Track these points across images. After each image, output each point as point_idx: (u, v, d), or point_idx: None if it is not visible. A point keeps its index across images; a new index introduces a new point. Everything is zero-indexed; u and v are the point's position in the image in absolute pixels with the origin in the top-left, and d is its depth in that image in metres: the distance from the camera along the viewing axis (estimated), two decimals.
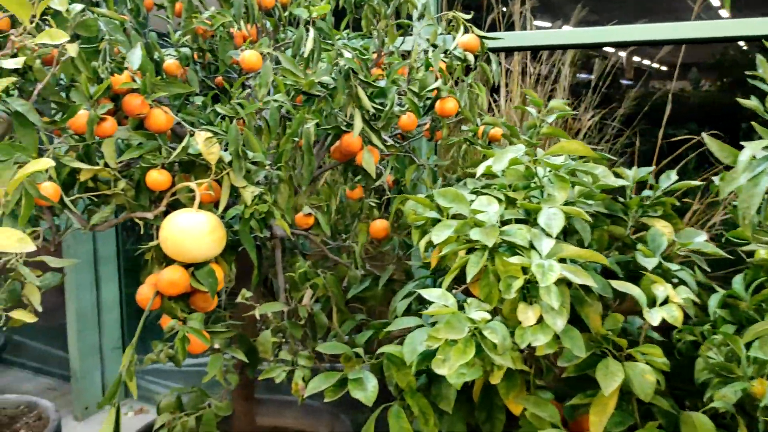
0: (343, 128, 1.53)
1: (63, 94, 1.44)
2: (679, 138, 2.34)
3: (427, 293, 1.21)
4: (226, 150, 1.38)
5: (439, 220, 1.41)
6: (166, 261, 1.43)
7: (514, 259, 1.16)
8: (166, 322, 1.41)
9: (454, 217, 1.37)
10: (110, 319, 3.20)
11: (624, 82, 2.87)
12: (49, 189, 1.30)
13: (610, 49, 2.77)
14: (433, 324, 1.33)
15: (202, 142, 1.36)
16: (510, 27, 2.54)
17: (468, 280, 1.20)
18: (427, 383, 1.45)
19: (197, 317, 1.36)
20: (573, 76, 2.59)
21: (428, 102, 1.62)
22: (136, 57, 1.46)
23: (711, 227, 2.32)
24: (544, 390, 1.32)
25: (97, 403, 3.23)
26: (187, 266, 1.40)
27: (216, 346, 1.41)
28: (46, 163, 1.09)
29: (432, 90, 1.56)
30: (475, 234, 1.22)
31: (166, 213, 1.41)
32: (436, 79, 1.56)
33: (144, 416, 3.20)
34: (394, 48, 1.83)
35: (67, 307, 3.13)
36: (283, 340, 1.46)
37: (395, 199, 1.57)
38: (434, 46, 1.76)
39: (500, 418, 1.48)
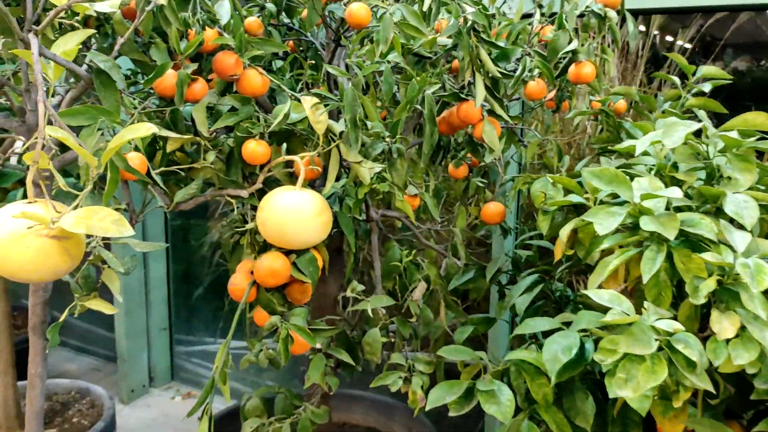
0: (462, 96, 1.32)
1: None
2: None
3: (595, 294, 1.00)
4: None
5: (582, 206, 1.20)
6: (263, 247, 1.24)
7: (708, 256, 0.95)
8: (261, 318, 1.22)
9: (602, 202, 1.16)
10: (157, 298, 3.04)
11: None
12: (136, 160, 1.11)
13: None
14: (584, 331, 1.13)
15: (309, 108, 1.16)
16: None
17: (645, 279, 0.99)
18: (555, 394, 1.25)
19: (301, 313, 1.17)
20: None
21: (559, 67, 1.40)
22: (225, 10, 1.26)
23: None
24: (712, 411, 1.12)
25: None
26: (286, 253, 1.21)
27: (318, 345, 1.22)
28: (147, 129, 0.90)
29: (565, 53, 1.34)
30: (647, 224, 1.01)
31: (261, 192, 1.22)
32: (570, 40, 1.34)
33: (192, 401, 3.05)
34: (494, 9, 1.61)
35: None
36: (390, 339, 1.26)
37: (518, 179, 1.36)
38: (540, 6, 1.54)
39: None
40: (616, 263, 1.05)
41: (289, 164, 1.25)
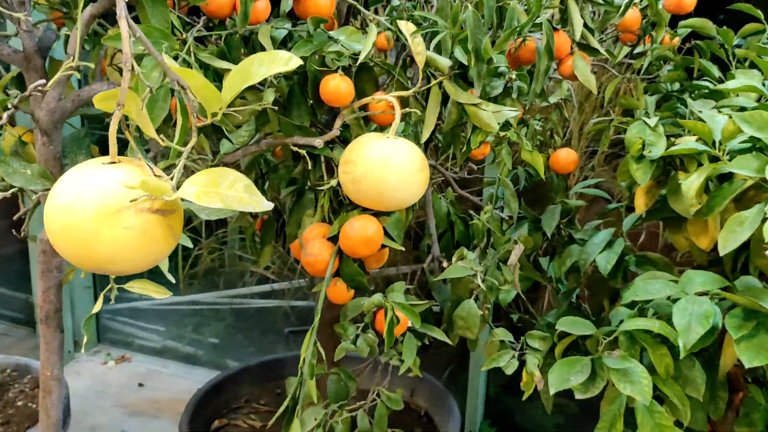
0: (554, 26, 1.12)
1: None
2: None
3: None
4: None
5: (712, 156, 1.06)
6: (335, 208, 1.01)
7: None
8: (338, 294, 1.00)
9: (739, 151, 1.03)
10: None
11: None
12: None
13: None
14: (703, 294, 1.01)
15: (409, 36, 0.93)
16: None
17: None
18: None
19: (399, 287, 0.97)
20: None
21: None
22: None
23: None
24: None
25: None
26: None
27: (409, 323, 1.02)
28: (287, 60, 0.64)
29: None
30: None
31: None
32: None
33: (128, 365, 2.74)
34: None
35: (29, 240, 2.57)
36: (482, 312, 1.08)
37: (601, 122, 1.20)
38: None
39: (723, 397, 1.20)
40: None
41: (362, 108, 1.02)
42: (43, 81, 0.76)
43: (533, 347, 1.02)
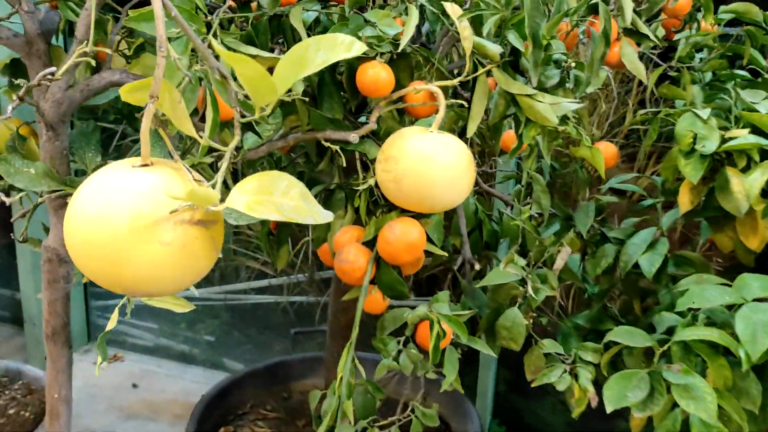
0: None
1: None
2: None
3: None
4: None
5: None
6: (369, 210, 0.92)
7: None
8: (374, 304, 0.91)
9: None
10: None
11: None
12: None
13: None
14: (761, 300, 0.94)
15: (457, 18, 0.84)
16: None
17: None
18: None
19: (443, 298, 0.88)
20: None
21: None
22: None
23: None
24: None
25: None
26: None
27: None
28: (349, 44, 0.55)
29: None
30: None
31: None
32: None
33: (121, 365, 2.64)
34: None
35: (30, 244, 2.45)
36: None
37: (656, 113, 1.11)
38: None
39: None
40: None
41: (397, 99, 0.92)
42: (53, 69, 0.66)
43: (585, 360, 0.93)
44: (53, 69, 0.66)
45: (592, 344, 0.94)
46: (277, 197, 0.53)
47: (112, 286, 0.55)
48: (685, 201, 1.16)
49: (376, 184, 0.87)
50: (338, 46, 0.56)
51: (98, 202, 0.52)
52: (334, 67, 0.91)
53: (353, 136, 0.87)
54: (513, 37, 0.82)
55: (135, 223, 0.51)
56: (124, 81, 0.83)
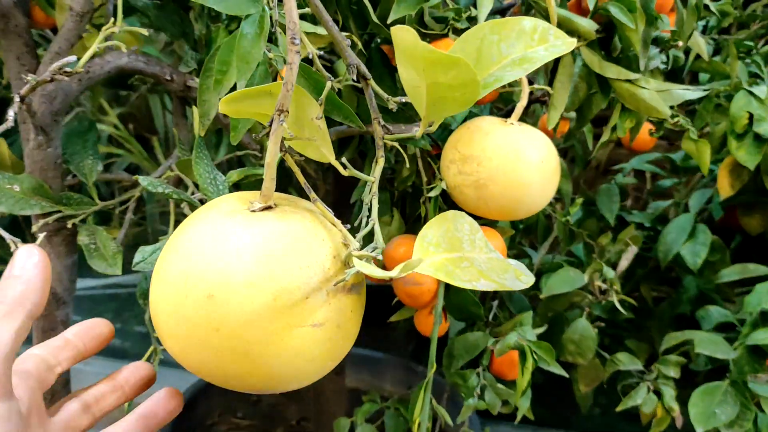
0: None
1: None
2: None
3: None
4: None
5: None
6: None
7: None
8: (429, 325, 0.77)
9: None
10: None
11: None
12: None
13: None
14: None
15: None
16: None
17: None
18: None
19: (526, 320, 0.75)
20: None
21: None
22: None
23: None
24: None
25: None
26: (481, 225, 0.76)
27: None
28: (554, 35, 0.39)
29: None
30: None
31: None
32: None
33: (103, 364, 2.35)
34: None
35: None
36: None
37: (702, 100, 1.01)
38: None
39: None
40: None
41: None
42: (72, 58, 0.47)
43: (669, 376, 0.83)
44: (72, 58, 0.47)
45: (674, 357, 0.84)
46: (467, 251, 0.38)
47: (235, 383, 0.39)
48: (724, 185, 1.08)
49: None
50: (525, 36, 0.40)
51: (217, 270, 0.35)
52: (382, 45, 0.74)
53: (416, 130, 0.71)
54: (617, 10, 0.68)
55: (281, 300, 0.34)
56: (135, 66, 0.63)
